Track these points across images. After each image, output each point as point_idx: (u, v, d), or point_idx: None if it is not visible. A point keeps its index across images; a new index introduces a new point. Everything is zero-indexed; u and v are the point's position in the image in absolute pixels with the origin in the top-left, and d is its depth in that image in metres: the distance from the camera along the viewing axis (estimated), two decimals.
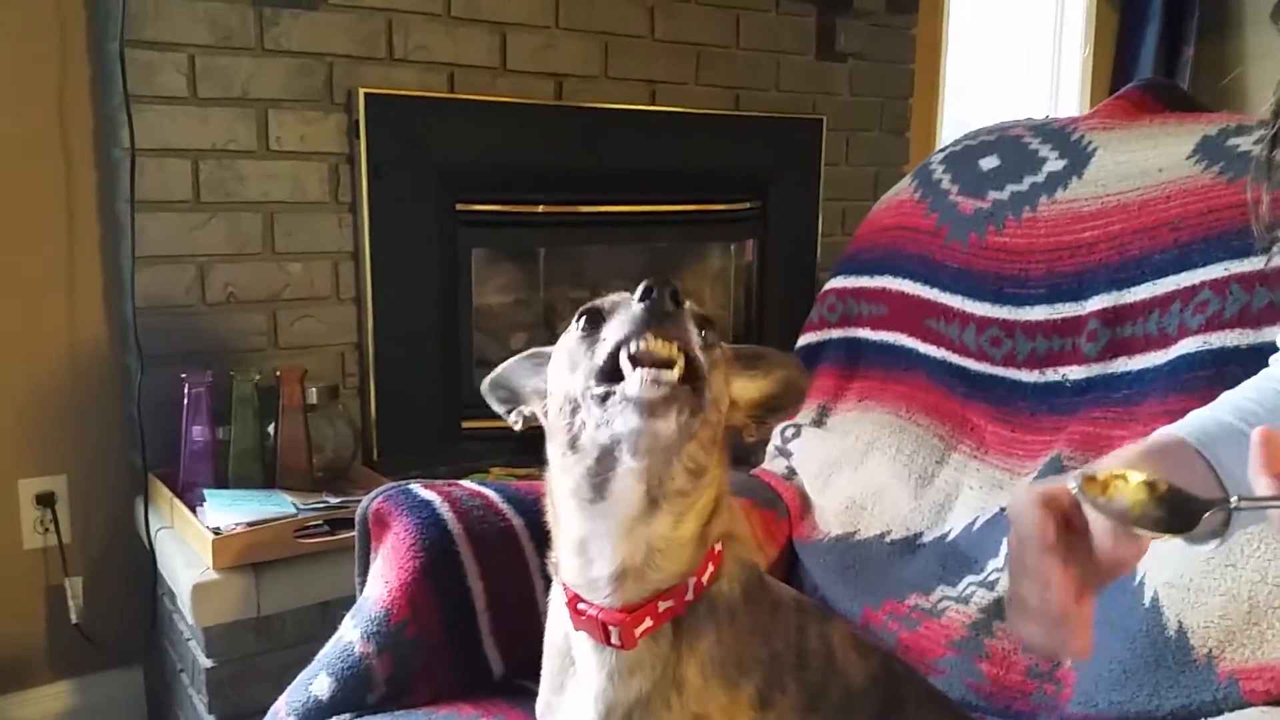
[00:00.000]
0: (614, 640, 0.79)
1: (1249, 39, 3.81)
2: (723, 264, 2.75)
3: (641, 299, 0.71)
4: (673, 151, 2.47)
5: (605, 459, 0.75)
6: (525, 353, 0.92)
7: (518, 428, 0.91)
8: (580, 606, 0.81)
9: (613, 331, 0.73)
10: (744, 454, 1.69)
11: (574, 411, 0.76)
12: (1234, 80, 3.54)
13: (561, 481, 0.80)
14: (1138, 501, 0.63)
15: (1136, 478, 0.63)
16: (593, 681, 0.82)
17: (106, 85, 1.91)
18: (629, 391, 0.70)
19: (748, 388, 0.86)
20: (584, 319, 0.78)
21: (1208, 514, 0.62)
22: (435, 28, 2.13)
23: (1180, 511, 0.63)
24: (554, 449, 0.81)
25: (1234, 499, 0.63)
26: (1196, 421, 0.82)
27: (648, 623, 0.79)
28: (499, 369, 0.93)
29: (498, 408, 0.92)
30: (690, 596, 0.81)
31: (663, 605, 0.79)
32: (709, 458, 0.79)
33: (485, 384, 0.93)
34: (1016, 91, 3.82)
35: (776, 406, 0.88)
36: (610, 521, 0.78)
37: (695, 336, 0.74)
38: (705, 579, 0.81)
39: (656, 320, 0.71)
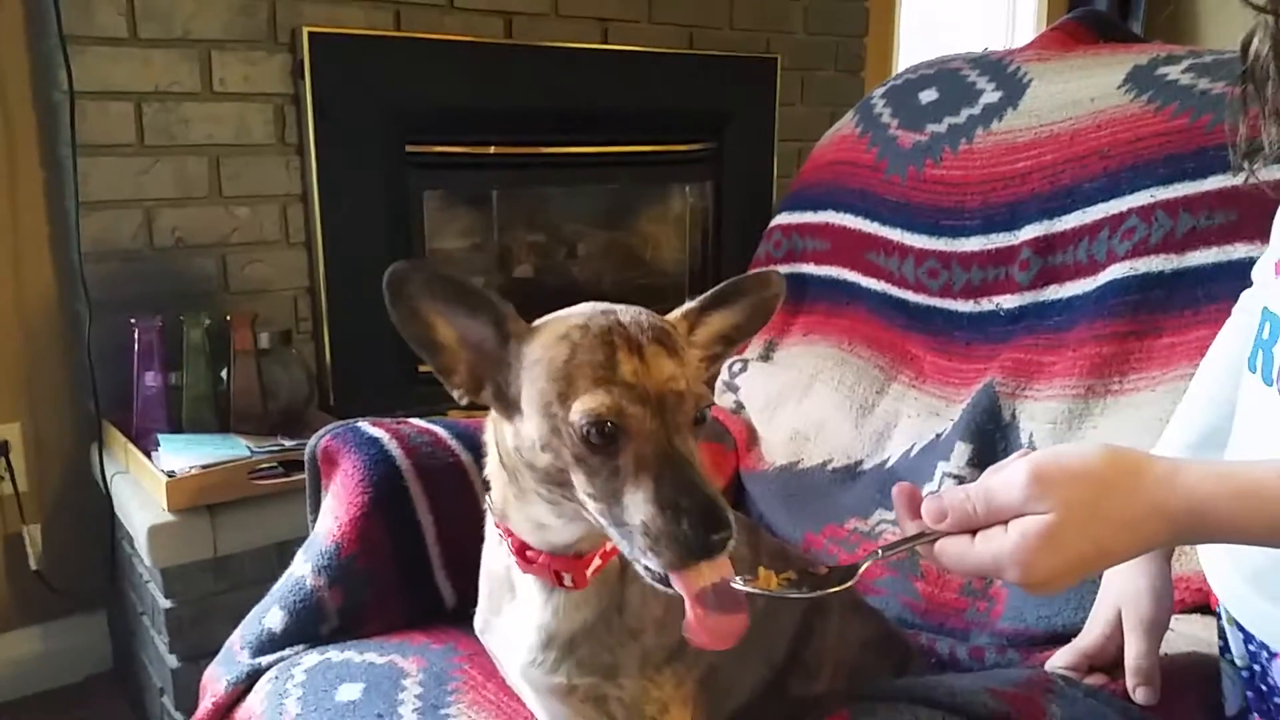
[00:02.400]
0: (567, 583, 0.80)
1: None
2: (679, 205, 2.76)
3: (694, 548, 0.67)
4: (626, 92, 2.46)
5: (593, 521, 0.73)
6: (446, 276, 0.74)
7: (462, 402, 0.78)
8: (529, 554, 0.80)
9: (649, 518, 0.68)
10: None
11: (568, 480, 0.72)
12: (1187, 11, 3.56)
13: (526, 475, 0.76)
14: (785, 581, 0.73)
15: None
16: (536, 614, 0.83)
17: (42, 25, 1.87)
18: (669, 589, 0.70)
19: (711, 323, 0.83)
20: (594, 429, 0.69)
21: (864, 565, 0.73)
22: None
23: (817, 581, 0.73)
24: (521, 461, 0.76)
25: (878, 550, 0.73)
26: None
27: (598, 562, 0.81)
28: (405, 283, 0.72)
29: (415, 345, 0.75)
30: None
31: (609, 544, 0.80)
32: None
33: (391, 304, 0.72)
34: (972, 28, 3.82)
35: (738, 336, 0.84)
36: (577, 522, 0.77)
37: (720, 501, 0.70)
38: None
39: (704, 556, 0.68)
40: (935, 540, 0.71)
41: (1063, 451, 0.70)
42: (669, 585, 0.69)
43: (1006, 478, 0.68)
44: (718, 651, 0.87)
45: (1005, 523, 0.67)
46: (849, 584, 0.72)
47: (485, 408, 0.80)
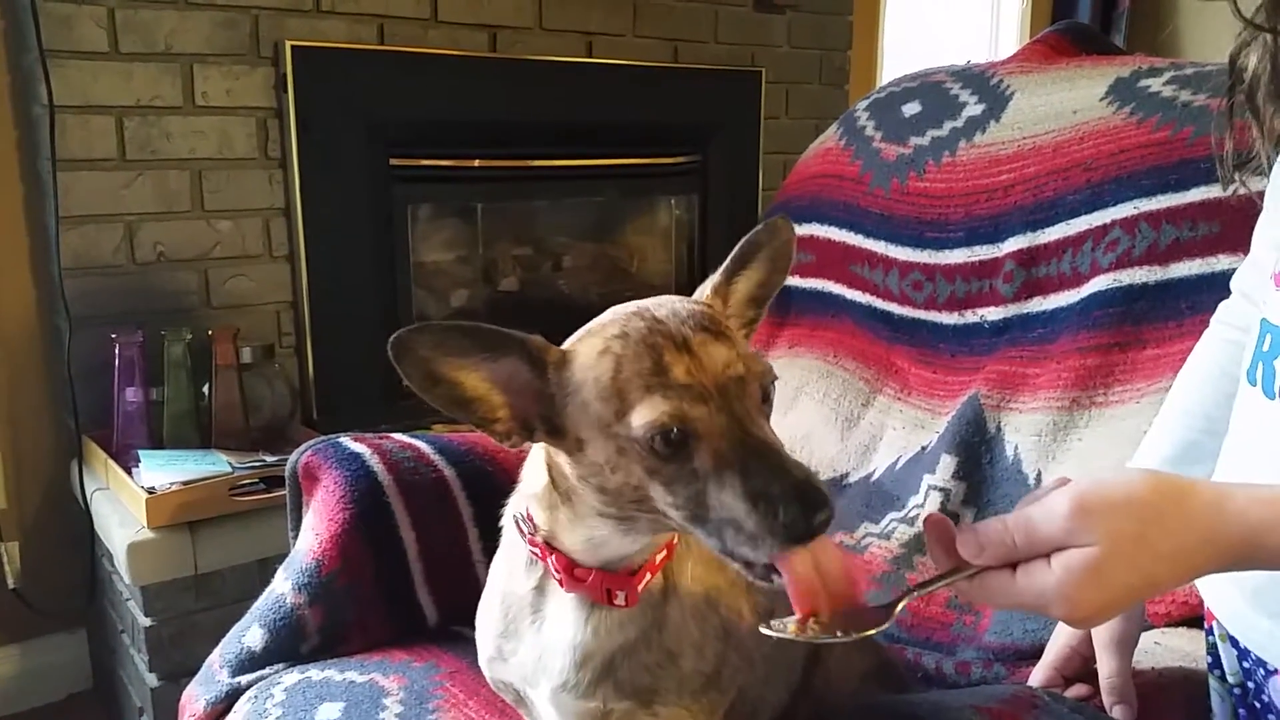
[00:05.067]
0: (619, 601, 0.77)
1: None
2: (664, 217, 2.76)
3: (794, 536, 0.64)
4: (611, 105, 2.47)
5: (676, 527, 0.70)
6: (454, 328, 0.70)
7: (508, 446, 0.73)
8: (578, 573, 0.77)
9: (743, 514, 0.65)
10: None
11: (642, 492, 0.69)
12: (1168, 24, 3.59)
13: (588, 501, 0.73)
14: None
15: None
16: (571, 633, 0.79)
17: (21, 40, 1.86)
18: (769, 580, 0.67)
19: (739, 289, 0.80)
20: (659, 438, 0.65)
21: (901, 605, 0.68)
22: None
23: (859, 621, 0.69)
24: (589, 488, 0.72)
25: (912, 589, 0.70)
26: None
27: (649, 577, 0.78)
28: (414, 351, 0.67)
29: (451, 411, 0.70)
30: (676, 540, 0.80)
31: (659, 556, 0.78)
32: None
33: (408, 376, 0.67)
34: (956, 43, 3.84)
35: (766, 294, 0.81)
36: (646, 536, 0.75)
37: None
38: None
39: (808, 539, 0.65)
40: (971, 576, 0.67)
41: (1105, 480, 0.66)
42: (771, 578, 0.66)
43: (1048, 508, 0.64)
44: (749, 674, 0.86)
45: (1046, 555, 0.64)
46: (885, 626, 0.68)
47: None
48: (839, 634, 0.67)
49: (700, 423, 0.66)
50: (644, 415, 0.65)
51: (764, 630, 0.68)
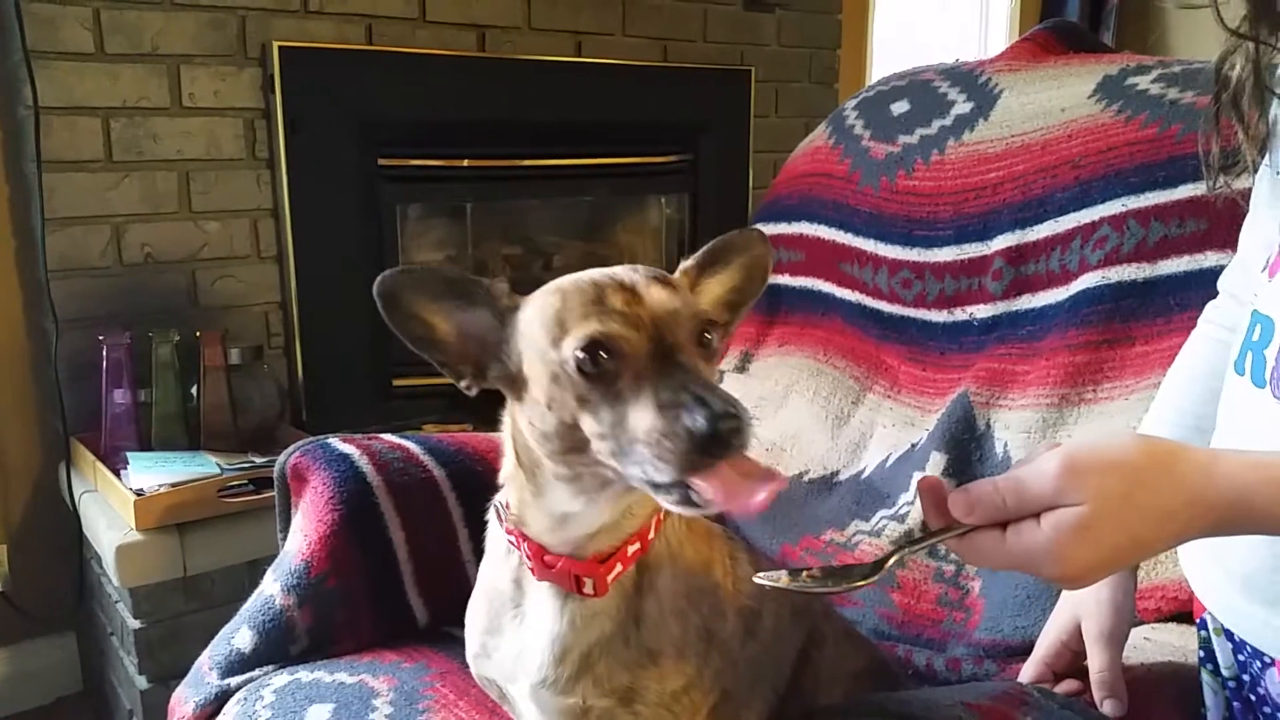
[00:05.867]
0: (587, 590, 0.78)
1: None
2: (655, 216, 2.76)
3: (704, 448, 0.63)
4: (600, 104, 2.46)
5: (611, 473, 0.70)
6: (434, 271, 0.79)
7: (470, 393, 0.79)
8: (548, 559, 0.78)
9: (651, 425, 0.65)
10: None
11: (579, 434, 0.70)
12: (1156, 22, 3.60)
13: (544, 463, 0.75)
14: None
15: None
16: (549, 625, 0.80)
17: (5, 41, 1.85)
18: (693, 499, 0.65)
19: (712, 288, 0.82)
20: (585, 354, 0.68)
21: (893, 559, 0.70)
22: None
23: (843, 575, 0.72)
24: (536, 436, 0.74)
25: (905, 545, 0.71)
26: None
27: (619, 568, 0.79)
28: (393, 284, 0.74)
29: (418, 348, 0.76)
30: (653, 534, 0.80)
31: (631, 548, 0.79)
32: None
33: (384, 304, 0.73)
34: (945, 42, 3.85)
35: (741, 301, 0.83)
36: (599, 499, 0.75)
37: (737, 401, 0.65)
38: (662, 514, 0.81)
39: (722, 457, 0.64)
40: (962, 535, 0.68)
41: (1096, 442, 0.68)
42: (691, 502, 0.65)
43: (1038, 468, 0.65)
44: (732, 676, 0.86)
45: (1036, 515, 0.65)
46: (874, 579, 0.69)
47: (482, 415, 0.79)
48: (829, 585, 0.70)
49: (625, 342, 0.68)
50: (575, 335, 0.68)
51: (756, 579, 0.69)
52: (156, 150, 1.93)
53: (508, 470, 0.81)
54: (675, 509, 0.67)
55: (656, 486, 0.66)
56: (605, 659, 0.80)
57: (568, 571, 0.78)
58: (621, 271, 0.73)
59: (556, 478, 0.75)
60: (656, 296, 0.70)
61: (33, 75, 1.77)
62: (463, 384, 0.77)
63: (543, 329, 0.71)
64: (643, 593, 0.80)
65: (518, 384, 0.74)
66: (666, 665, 0.80)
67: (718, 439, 0.62)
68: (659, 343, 0.68)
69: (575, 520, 0.77)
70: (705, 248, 0.81)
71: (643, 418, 0.65)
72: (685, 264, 0.81)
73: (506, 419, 0.80)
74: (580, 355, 0.68)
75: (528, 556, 0.79)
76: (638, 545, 0.79)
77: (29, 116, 1.80)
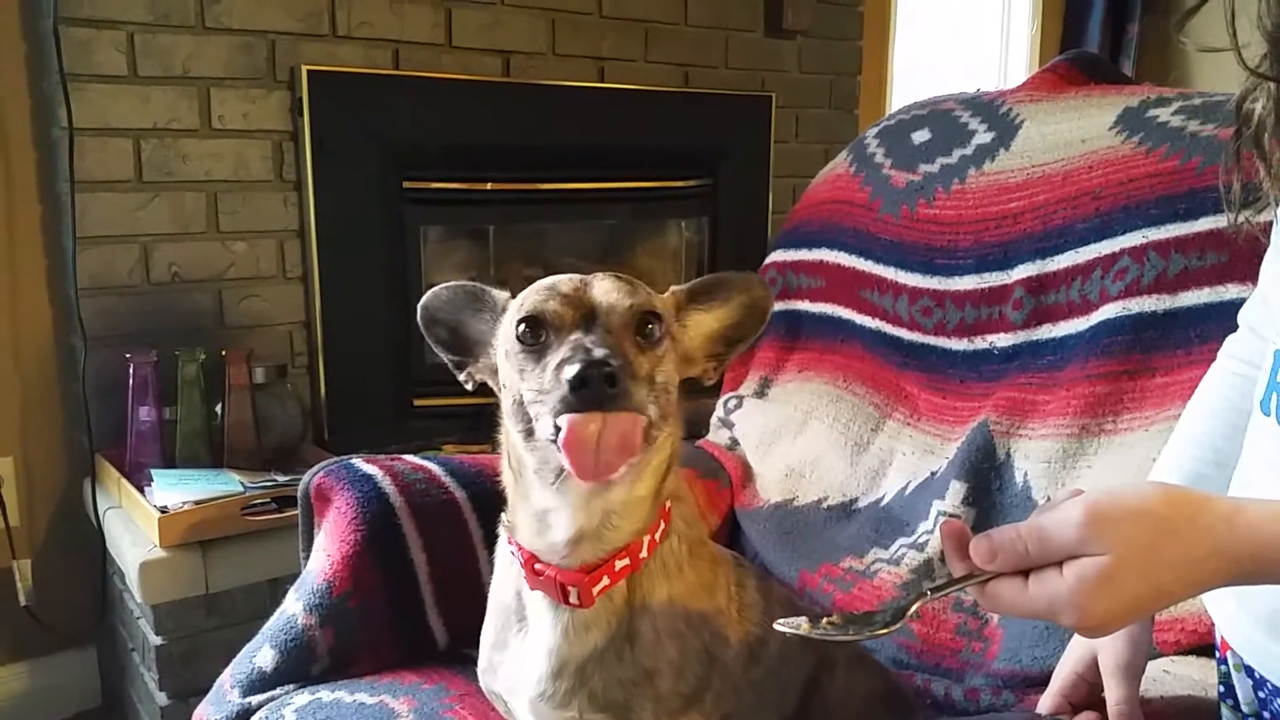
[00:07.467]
0: (572, 600, 0.81)
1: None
2: (674, 240, 2.77)
3: (574, 388, 0.69)
4: (622, 129, 2.48)
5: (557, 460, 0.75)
6: (460, 285, 0.88)
7: (469, 387, 0.90)
8: (537, 567, 0.81)
9: (551, 386, 0.73)
10: (694, 428, 1.72)
11: (525, 409, 0.76)
12: (1176, 53, 3.60)
13: (524, 457, 0.80)
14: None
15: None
16: (547, 637, 0.83)
17: (43, 64, 1.89)
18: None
19: (705, 321, 0.86)
20: (523, 325, 0.76)
21: (914, 607, 0.71)
22: (379, 4, 2.12)
23: (864, 622, 0.72)
24: (511, 425, 0.80)
25: (927, 592, 0.72)
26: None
27: (605, 581, 0.81)
28: (431, 299, 0.88)
29: (439, 350, 0.89)
30: (645, 554, 0.82)
31: (619, 564, 0.81)
32: (664, 422, 0.78)
33: (421, 316, 0.88)
34: (964, 69, 3.86)
35: (737, 337, 0.87)
36: (569, 496, 0.79)
37: (642, 392, 0.73)
38: (658, 536, 0.83)
39: (594, 405, 0.70)
40: (984, 581, 0.68)
41: (1119, 490, 0.68)
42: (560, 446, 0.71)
43: (1061, 517, 0.65)
44: (735, 701, 0.87)
45: (1059, 563, 0.65)
46: (896, 628, 0.70)
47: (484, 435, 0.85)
48: (851, 632, 0.70)
49: (557, 317, 0.75)
50: (519, 313, 0.77)
51: (777, 626, 0.71)
52: (185, 171, 1.96)
53: (505, 477, 0.87)
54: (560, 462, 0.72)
55: (551, 443, 0.72)
56: (600, 674, 0.82)
57: (555, 580, 0.81)
58: (590, 274, 0.80)
59: (533, 471, 0.80)
60: (602, 287, 0.77)
61: (68, 97, 1.80)
62: (461, 375, 0.88)
63: (507, 317, 0.81)
64: (635, 611, 0.82)
65: (496, 374, 0.83)
66: (663, 685, 0.82)
67: (587, 384, 0.69)
68: (588, 319, 0.75)
69: (553, 519, 0.80)
70: (702, 278, 0.87)
71: (547, 375, 0.73)
72: (676, 287, 0.86)
73: (502, 425, 0.85)
74: (520, 329, 0.76)
75: (521, 565, 0.83)
76: (627, 561, 0.81)
77: (63, 137, 1.83)
